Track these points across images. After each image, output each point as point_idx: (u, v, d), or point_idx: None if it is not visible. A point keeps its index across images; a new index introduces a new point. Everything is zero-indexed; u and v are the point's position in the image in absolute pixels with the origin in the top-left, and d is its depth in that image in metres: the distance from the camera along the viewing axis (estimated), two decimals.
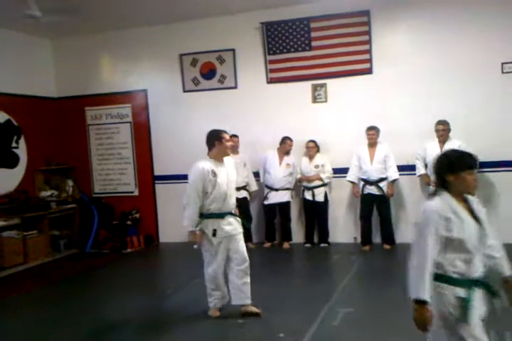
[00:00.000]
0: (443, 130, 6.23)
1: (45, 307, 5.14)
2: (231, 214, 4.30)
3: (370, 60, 6.73)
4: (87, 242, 7.76)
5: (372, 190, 6.55)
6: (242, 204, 6.41)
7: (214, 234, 4.15)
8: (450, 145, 6.18)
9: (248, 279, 4.31)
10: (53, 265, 7.01)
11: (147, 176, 7.99)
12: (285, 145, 6.93)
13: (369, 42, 6.68)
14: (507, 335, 3.62)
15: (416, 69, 6.65)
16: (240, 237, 4.33)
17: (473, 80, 6.47)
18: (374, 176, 6.51)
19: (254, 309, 4.31)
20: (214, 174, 4.11)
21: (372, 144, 6.56)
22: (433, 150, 6.27)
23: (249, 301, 4.31)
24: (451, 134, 6.25)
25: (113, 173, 8.15)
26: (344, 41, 6.73)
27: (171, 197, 7.80)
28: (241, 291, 4.29)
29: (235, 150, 6.53)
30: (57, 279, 6.23)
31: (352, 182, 6.73)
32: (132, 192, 8.06)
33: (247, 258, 4.31)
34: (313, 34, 6.84)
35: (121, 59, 7.93)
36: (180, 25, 7.45)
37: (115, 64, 8.02)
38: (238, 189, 5.99)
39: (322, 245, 6.98)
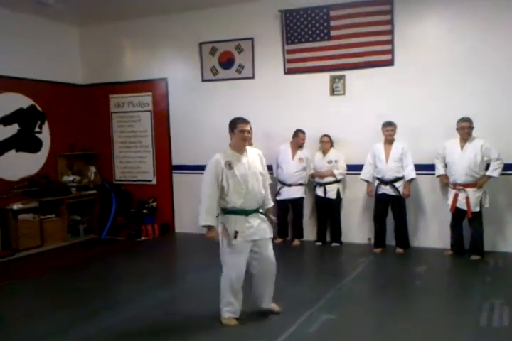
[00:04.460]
0: (469, 127, 5.73)
1: (47, 290, 5.27)
2: (257, 211, 3.98)
3: (391, 51, 6.30)
4: (103, 228, 7.86)
5: (387, 189, 6.16)
6: None
7: (235, 236, 3.85)
8: (472, 144, 5.74)
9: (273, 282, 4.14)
10: (67, 249, 7.14)
11: (165, 165, 7.97)
12: (297, 139, 6.66)
13: (391, 32, 6.24)
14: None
15: (441, 62, 6.17)
16: (269, 241, 4.04)
17: (507, 77, 5.90)
18: (389, 175, 6.12)
19: (275, 308, 4.19)
20: (229, 166, 3.85)
21: (389, 141, 6.16)
22: (453, 148, 5.85)
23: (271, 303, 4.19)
24: (473, 133, 5.75)
25: (133, 161, 8.19)
26: (364, 31, 6.32)
27: (188, 187, 7.75)
28: (267, 295, 4.12)
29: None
30: (65, 264, 6.29)
31: (366, 181, 6.38)
32: (150, 181, 8.08)
33: (275, 262, 4.07)
34: (332, 23, 6.47)
35: (144, 47, 7.88)
36: (201, 12, 7.29)
37: (138, 52, 7.98)
38: None
39: (334, 244, 6.69)
